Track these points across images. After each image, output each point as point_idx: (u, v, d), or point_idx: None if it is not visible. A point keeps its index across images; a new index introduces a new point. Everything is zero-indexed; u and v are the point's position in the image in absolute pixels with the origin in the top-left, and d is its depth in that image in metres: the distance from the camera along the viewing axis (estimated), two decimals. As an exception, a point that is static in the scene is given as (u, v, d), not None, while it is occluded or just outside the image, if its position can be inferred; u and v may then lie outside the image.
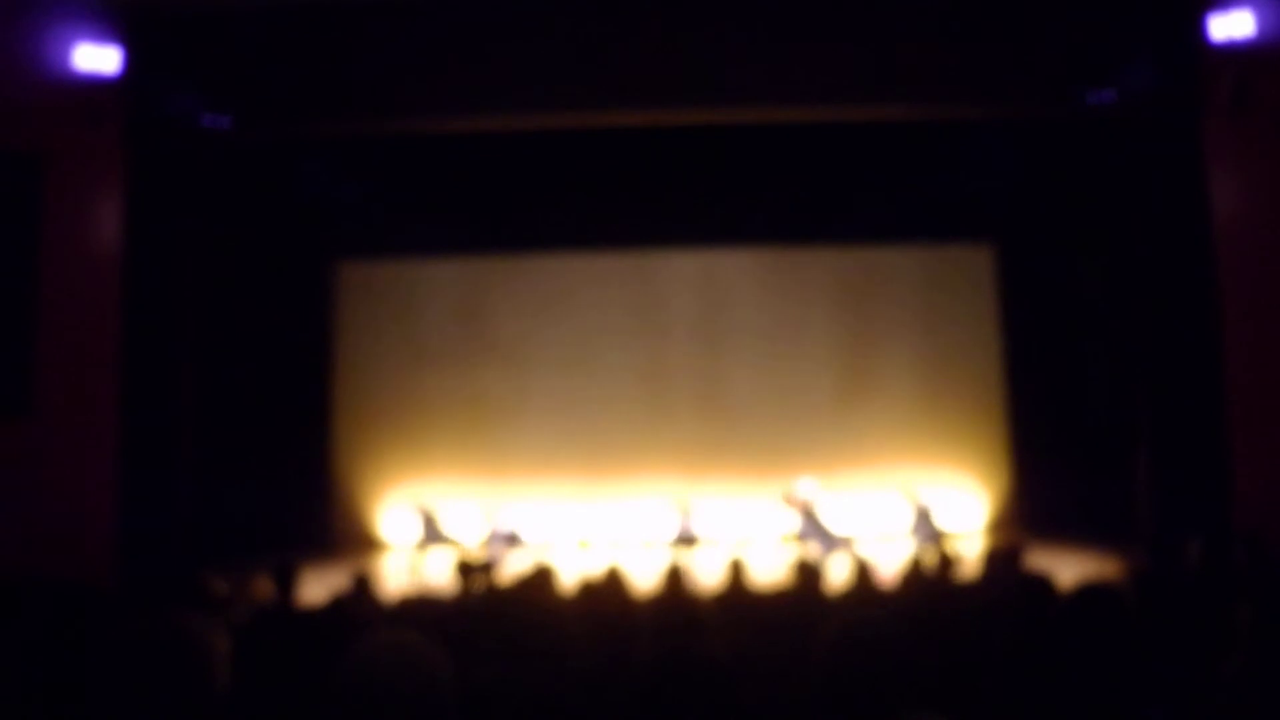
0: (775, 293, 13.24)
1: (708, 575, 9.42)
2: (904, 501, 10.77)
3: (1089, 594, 3.73)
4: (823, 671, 2.54)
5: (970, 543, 10.28)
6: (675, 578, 5.36)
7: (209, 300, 11.16)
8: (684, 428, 12.96)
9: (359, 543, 12.87)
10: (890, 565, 7.32)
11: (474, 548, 10.42)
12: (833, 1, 9.66)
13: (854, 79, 9.61)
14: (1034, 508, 12.40)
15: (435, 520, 11.28)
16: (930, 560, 6.27)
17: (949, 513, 11.05)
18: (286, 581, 5.47)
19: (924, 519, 10.47)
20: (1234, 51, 9.22)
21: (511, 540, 10.76)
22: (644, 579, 6.47)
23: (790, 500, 10.22)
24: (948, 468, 12.55)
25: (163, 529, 9.68)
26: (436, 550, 11.15)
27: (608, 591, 5.10)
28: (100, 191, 9.76)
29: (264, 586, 5.87)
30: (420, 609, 5.64)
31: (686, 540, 10.98)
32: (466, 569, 6.12)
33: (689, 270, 13.36)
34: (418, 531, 11.33)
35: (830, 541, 9.76)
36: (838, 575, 6.99)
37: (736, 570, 5.88)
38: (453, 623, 4.79)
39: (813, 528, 9.88)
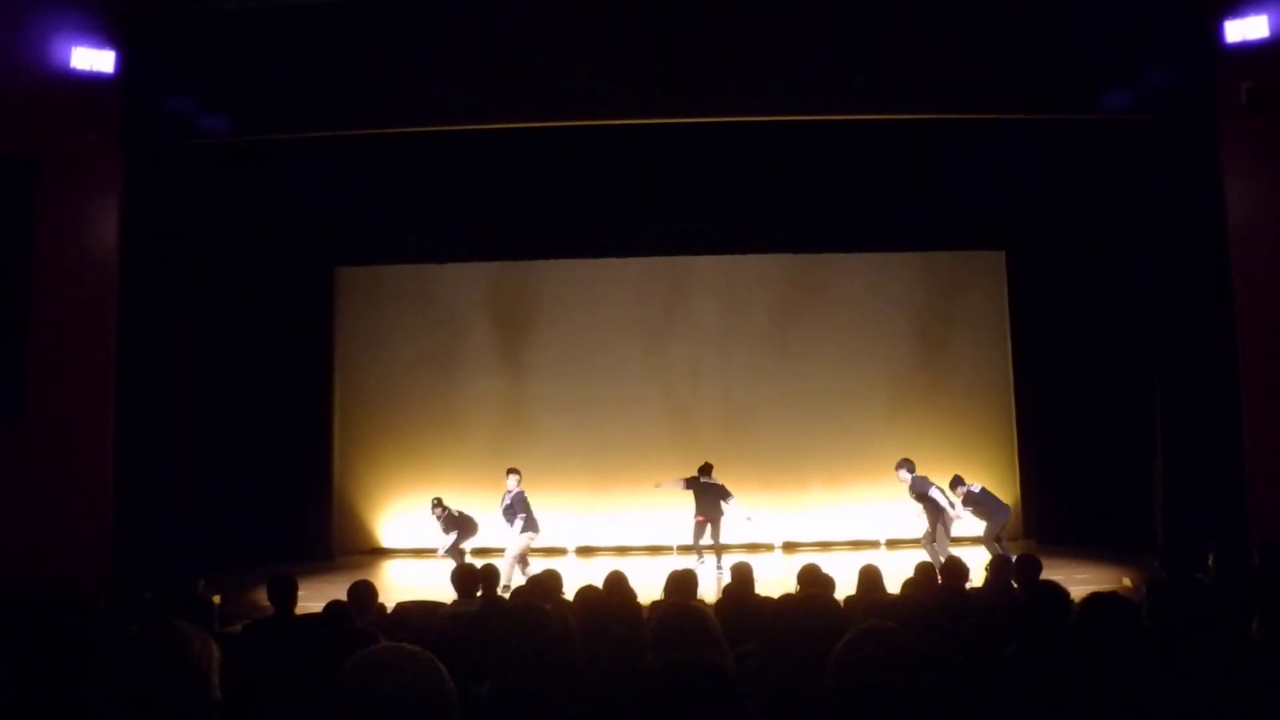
0: (787, 299, 12.98)
1: (717, 583, 9.37)
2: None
3: (1102, 604, 3.67)
4: (835, 684, 2.47)
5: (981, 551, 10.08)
6: (682, 585, 5.26)
7: (206, 305, 10.98)
8: (696, 435, 12.65)
9: (359, 552, 12.67)
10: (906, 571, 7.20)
11: (474, 556, 10.28)
12: (851, 6, 9.52)
13: (870, 83, 9.43)
14: (1045, 516, 12.18)
15: (438, 528, 11.10)
16: (943, 568, 6.17)
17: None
18: (283, 592, 5.36)
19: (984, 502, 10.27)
20: (1249, 54, 9.12)
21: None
22: (650, 587, 6.37)
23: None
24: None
25: (159, 539, 9.50)
26: (438, 559, 11.00)
27: (612, 600, 5.00)
28: (95, 194, 9.60)
29: (260, 597, 5.78)
30: (420, 620, 5.55)
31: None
32: (468, 578, 6.00)
33: (702, 277, 13.09)
34: (419, 540, 11.18)
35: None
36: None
37: (744, 578, 5.78)
38: (453, 634, 4.70)
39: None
